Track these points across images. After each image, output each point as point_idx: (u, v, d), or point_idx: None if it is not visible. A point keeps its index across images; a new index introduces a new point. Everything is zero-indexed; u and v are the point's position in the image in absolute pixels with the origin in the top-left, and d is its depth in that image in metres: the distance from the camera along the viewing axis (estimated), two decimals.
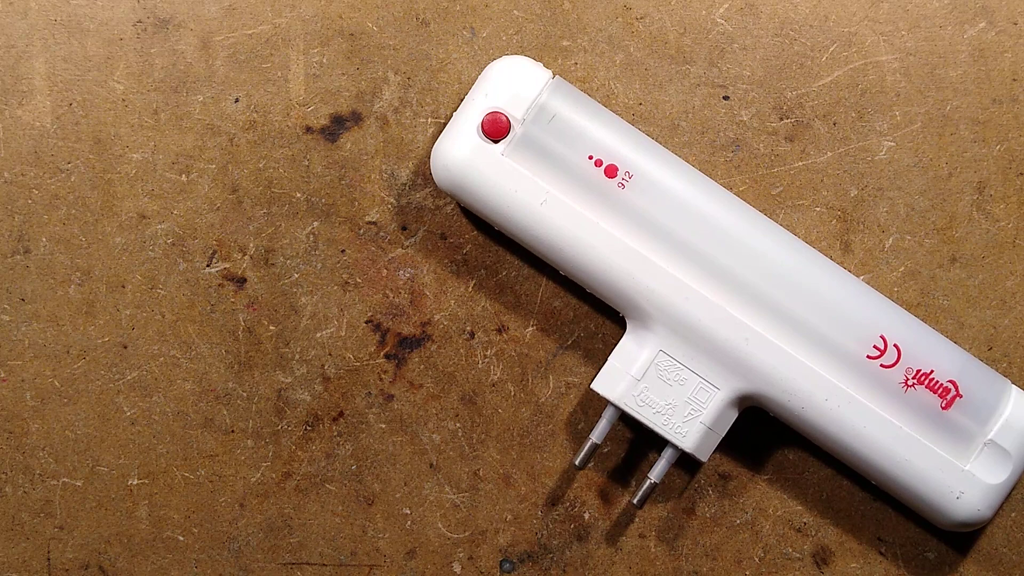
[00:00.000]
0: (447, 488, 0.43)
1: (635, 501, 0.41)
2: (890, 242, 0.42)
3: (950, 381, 0.40)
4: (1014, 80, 0.42)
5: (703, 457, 0.40)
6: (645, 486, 0.41)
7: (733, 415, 0.40)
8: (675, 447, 0.40)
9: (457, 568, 0.43)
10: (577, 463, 0.41)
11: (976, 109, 0.42)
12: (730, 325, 0.39)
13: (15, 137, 0.42)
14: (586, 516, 0.43)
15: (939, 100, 0.42)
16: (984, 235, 0.42)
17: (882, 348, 0.40)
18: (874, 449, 0.40)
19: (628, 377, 0.40)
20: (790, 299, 0.40)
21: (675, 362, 0.40)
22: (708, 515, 0.43)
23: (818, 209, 0.42)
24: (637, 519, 0.43)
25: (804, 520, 0.42)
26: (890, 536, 0.42)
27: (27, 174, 0.42)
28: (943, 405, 0.40)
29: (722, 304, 0.39)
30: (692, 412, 0.40)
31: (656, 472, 0.41)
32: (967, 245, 0.42)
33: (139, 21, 0.42)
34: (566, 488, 0.43)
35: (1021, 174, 0.42)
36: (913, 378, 0.40)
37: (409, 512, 0.43)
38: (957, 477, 0.40)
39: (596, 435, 0.41)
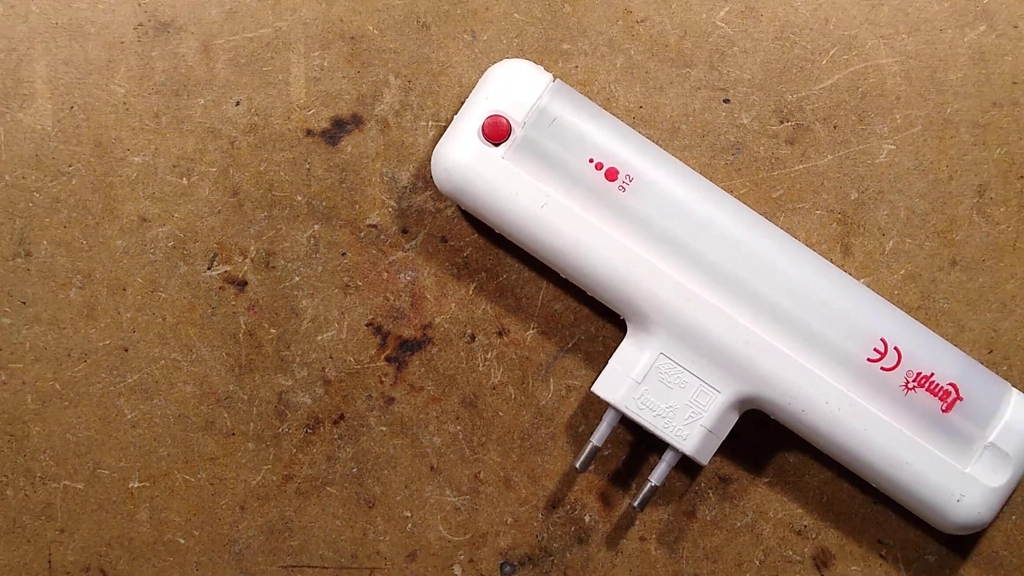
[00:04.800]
0: (448, 491, 0.43)
1: (636, 504, 0.41)
2: (890, 245, 0.42)
3: (950, 384, 0.40)
4: (1014, 83, 0.42)
5: (703, 460, 0.40)
6: (646, 489, 0.41)
7: (733, 418, 0.40)
8: (676, 450, 0.40)
9: (458, 571, 0.43)
10: (578, 466, 0.41)
11: (976, 112, 0.42)
12: (730, 328, 0.39)
13: (16, 140, 0.42)
14: (587, 519, 0.43)
15: (939, 103, 0.42)
16: (984, 238, 0.42)
17: (882, 351, 0.40)
18: (874, 452, 0.40)
19: (629, 380, 0.40)
20: (791, 302, 0.40)
21: (676, 365, 0.40)
22: (708, 518, 0.43)
23: (818, 212, 0.42)
24: (638, 522, 0.43)
25: (804, 523, 0.43)
26: (890, 539, 0.42)
27: (28, 177, 0.42)
28: (943, 408, 0.40)
29: (722, 307, 0.39)
30: (693, 415, 0.40)
31: (657, 475, 0.41)
32: (967, 248, 0.42)
33: (140, 24, 0.42)
34: (567, 491, 0.43)
35: (1021, 177, 0.42)
36: (913, 381, 0.40)
37: (410, 515, 0.43)
38: (957, 480, 0.40)
39: (597, 438, 0.41)
